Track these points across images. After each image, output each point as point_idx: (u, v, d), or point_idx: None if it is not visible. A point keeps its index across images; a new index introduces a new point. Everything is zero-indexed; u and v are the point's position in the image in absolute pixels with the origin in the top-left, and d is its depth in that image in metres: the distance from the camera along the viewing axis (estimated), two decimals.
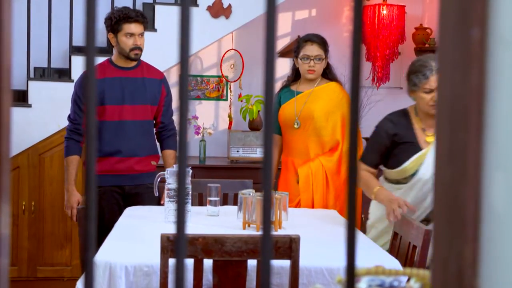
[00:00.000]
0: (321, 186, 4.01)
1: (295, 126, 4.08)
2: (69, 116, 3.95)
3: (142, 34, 3.78)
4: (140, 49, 3.80)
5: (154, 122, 3.98)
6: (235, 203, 3.99)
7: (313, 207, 4.00)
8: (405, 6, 5.69)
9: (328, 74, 4.16)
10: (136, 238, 3.01)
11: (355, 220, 0.82)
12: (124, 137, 3.80)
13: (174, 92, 5.79)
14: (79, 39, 5.37)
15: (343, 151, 4.06)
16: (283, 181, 4.16)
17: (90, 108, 0.84)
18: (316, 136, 4.06)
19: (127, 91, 3.83)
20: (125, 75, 3.84)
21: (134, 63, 3.88)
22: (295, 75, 4.20)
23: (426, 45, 5.64)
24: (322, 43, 4.08)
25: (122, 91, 3.83)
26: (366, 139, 5.75)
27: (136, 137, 3.83)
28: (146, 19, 3.80)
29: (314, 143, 4.07)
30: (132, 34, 3.74)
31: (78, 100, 3.86)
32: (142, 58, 4.72)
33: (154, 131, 4.01)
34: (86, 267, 0.85)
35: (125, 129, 3.81)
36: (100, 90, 3.80)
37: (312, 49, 4.06)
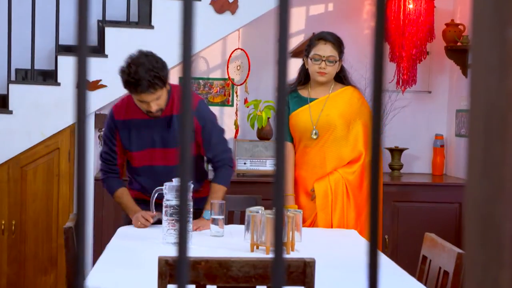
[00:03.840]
0: (341, 203, 4.01)
1: (313, 136, 4.08)
2: (101, 155, 3.88)
3: (160, 96, 3.60)
4: (158, 111, 3.63)
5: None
6: (242, 222, 3.99)
7: (331, 227, 4.00)
8: None
9: (342, 79, 4.15)
10: (130, 261, 3.01)
11: (378, 242, 0.82)
12: (159, 183, 3.60)
13: None
14: (66, 38, 5.40)
15: (365, 162, 4.04)
16: (296, 198, 4.16)
17: (81, 116, 0.85)
18: (335, 147, 4.06)
19: (155, 134, 3.71)
20: (152, 117, 3.70)
21: None
22: (304, 78, 4.18)
23: (458, 44, 5.64)
24: (337, 43, 4.08)
25: (149, 135, 3.71)
26: (390, 149, 5.77)
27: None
28: (160, 83, 3.54)
29: (333, 156, 4.06)
30: (145, 101, 3.58)
31: (107, 140, 3.80)
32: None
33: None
34: None
35: (159, 175, 3.71)
36: (125, 134, 3.73)
37: (325, 49, 4.05)
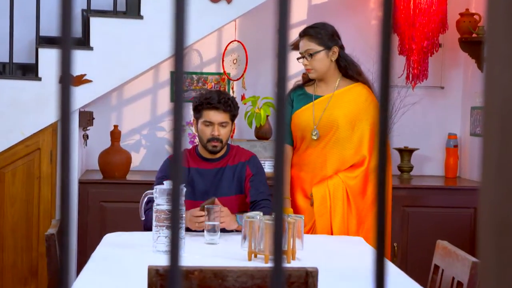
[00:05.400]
0: (341, 209, 4.01)
1: (313, 137, 4.09)
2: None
3: (224, 124, 3.88)
4: (220, 141, 3.87)
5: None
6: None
7: (331, 234, 4.01)
8: None
9: (348, 70, 4.16)
10: (117, 271, 3.02)
11: (385, 249, 0.83)
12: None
13: (165, 93, 5.80)
14: (48, 28, 5.40)
15: (370, 167, 4.05)
16: (293, 200, 4.17)
17: (65, 113, 0.85)
18: (337, 149, 4.07)
19: (209, 185, 3.90)
20: (206, 167, 3.95)
21: (220, 154, 3.92)
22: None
23: (474, 35, 5.64)
24: (315, 33, 4.11)
25: (202, 186, 3.90)
26: (400, 150, 5.77)
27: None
28: (232, 107, 3.90)
29: (335, 158, 4.07)
30: (210, 123, 3.85)
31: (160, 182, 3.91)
32: (128, 53, 4.75)
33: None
34: None
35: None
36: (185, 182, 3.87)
37: (301, 45, 4.16)
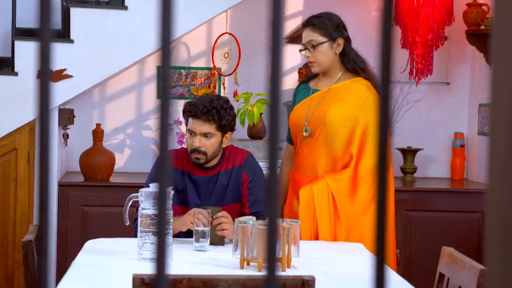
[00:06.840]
0: (327, 215, 3.97)
1: (304, 133, 4.08)
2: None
3: (209, 135, 3.80)
4: (203, 153, 3.81)
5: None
6: None
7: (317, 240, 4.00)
8: None
9: (350, 65, 4.14)
10: (99, 280, 3.01)
11: (386, 256, 0.83)
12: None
13: (151, 89, 5.80)
14: (24, 19, 5.39)
15: (358, 168, 3.99)
16: (289, 203, 4.16)
17: (44, 111, 0.85)
18: (326, 148, 4.03)
19: (202, 196, 3.88)
20: (199, 174, 3.91)
21: (213, 163, 3.90)
22: None
23: (482, 27, 5.65)
24: (318, 24, 4.09)
25: (196, 194, 3.88)
26: (403, 150, 5.78)
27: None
28: (214, 117, 3.79)
29: (324, 158, 4.04)
30: (193, 132, 3.80)
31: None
32: (112, 46, 4.74)
33: None
34: None
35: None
36: (176, 186, 3.85)
37: (304, 36, 4.12)
